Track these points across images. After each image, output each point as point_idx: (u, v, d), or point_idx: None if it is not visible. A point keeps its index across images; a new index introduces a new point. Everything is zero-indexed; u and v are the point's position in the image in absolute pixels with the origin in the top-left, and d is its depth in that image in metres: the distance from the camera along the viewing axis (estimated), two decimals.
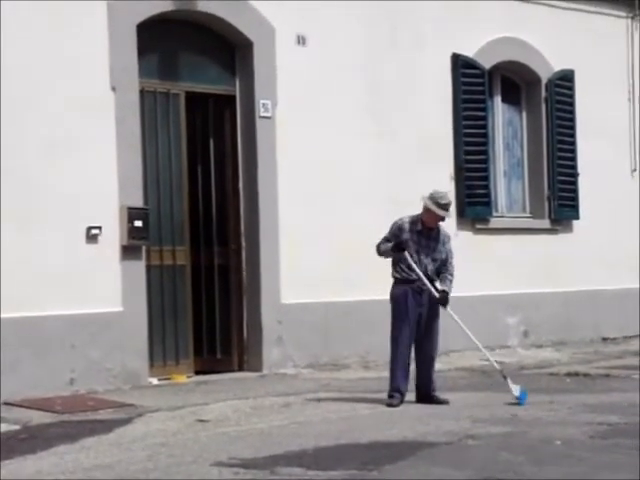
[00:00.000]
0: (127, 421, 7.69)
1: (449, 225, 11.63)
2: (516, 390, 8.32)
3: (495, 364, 8.70)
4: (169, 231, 9.90)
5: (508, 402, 8.21)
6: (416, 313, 8.39)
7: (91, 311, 9.06)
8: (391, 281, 8.54)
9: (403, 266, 8.42)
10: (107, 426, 7.48)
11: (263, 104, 10.32)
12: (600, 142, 12.96)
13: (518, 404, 8.19)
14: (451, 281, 8.47)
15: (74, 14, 9.11)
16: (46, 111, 8.93)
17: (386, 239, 8.51)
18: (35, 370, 8.68)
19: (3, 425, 7.56)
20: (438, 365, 10.70)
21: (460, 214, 11.77)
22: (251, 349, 10.28)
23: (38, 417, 7.92)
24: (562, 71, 12.84)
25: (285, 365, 10.29)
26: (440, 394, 8.47)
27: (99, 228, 9.15)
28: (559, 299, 12.47)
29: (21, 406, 8.30)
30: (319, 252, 10.54)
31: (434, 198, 8.41)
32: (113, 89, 9.33)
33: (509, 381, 8.43)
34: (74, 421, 7.79)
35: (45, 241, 8.86)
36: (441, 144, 11.71)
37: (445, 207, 8.42)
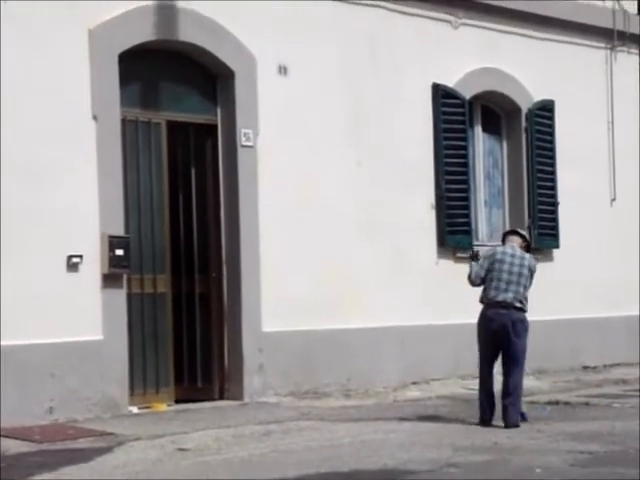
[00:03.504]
0: (107, 450, 7.65)
1: (431, 253, 11.76)
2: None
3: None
4: (150, 259, 9.89)
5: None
6: None
7: (71, 339, 9.02)
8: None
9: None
10: (87, 455, 7.44)
11: (245, 133, 10.35)
12: (580, 171, 13.05)
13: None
14: None
15: (56, 43, 9.13)
16: (28, 139, 8.93)
17: None
18: (14, 398, 8.61)
19: None
20: (418, 393, 10.72)
21: (441, 243, 11.82)
22: (232, 377, 10.26)
23: (17, 446, 7.86)
24: (542, 101, 12.94)
25: (266, 393, 10.27)
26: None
27: (80, 257, 9.13)
28: (539, 327, 12.40)
29: (0, 435, 8.24)
30: (300, 280, 10.55)
31: None
32: (95, 118, 9.34)
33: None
34: (53, 450, 7.74)
35: (26, 269, 8.83)
36: (422, 173, 11.76)
37: None
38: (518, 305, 8.68)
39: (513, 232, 9.28)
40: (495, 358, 8.77)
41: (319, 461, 7.10)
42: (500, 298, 8.65)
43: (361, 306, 10.97)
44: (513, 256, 8.77)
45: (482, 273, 8.77)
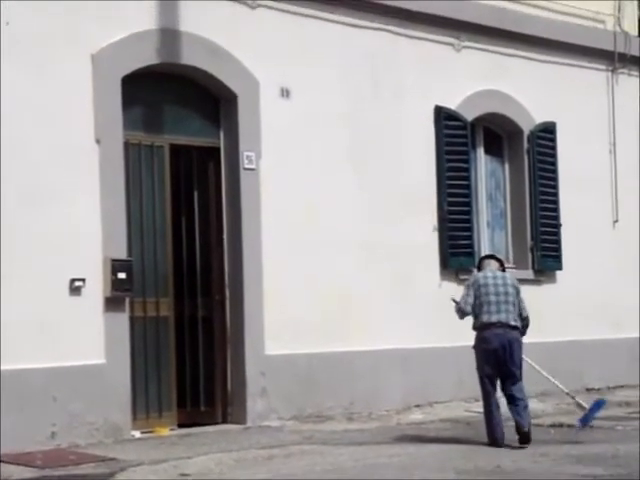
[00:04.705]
0: (109, 475, 7.62)
1: (433, 275, 11.76)
2: (587, 404, 9.72)
3: (562, 388, 9.98)
4: (153, 282, 9.88)
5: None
6: None
7: (73, 363, 9.00)
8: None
9: None
10: None
11: (247, 156, 10.36)
12: (582, 193, 13.07)
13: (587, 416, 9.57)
14: None
15: (59, 66, 9.16)
16: (30, 162, 8.94)
17: None
18: (16, 424, 8.59)
19: None
20: (421, 416, 10.68)
21: (443, 265, 11.82)
22: (235, 401, 10.23)
23: (19, 472, 7.83)
24: (544, 123, 12.97)
25: (269, 417, 10.24)
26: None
27: (83, 280, 9.13)
28: (542, 349, 12.42)
29: (1, 461, 8.19)
30: (303, 303, 10.53)
31: None
32: (97, 141, 9.36)
33: (577, 399, 9.83)
34: (55, 476, 7.71)
35: (28, 293, 8.82)
36: (424, 195, 11.77)
37: None
38: (513, 323, 8.82)
39: (489, 257, 9.48)
40: (496, 378, 8.82)
41: None
42: (494, 319, 8.77)
43: (364, 329, 10.96)
44: (495, 277, 8.92)
45: (471, 300, 8.88)
